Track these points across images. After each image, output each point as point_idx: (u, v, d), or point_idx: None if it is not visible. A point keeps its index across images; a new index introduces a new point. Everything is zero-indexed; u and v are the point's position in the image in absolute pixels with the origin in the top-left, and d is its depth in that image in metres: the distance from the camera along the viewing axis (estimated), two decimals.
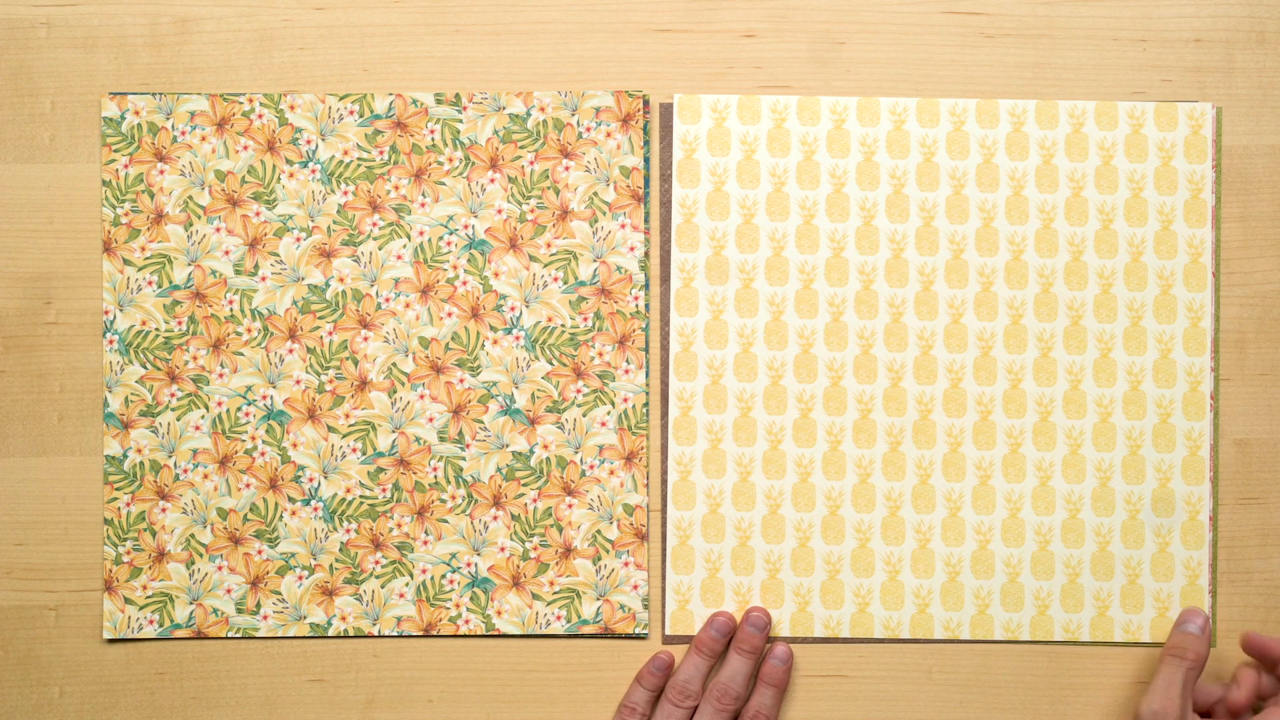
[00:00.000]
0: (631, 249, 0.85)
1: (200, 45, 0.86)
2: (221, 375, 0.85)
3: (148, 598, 0.85)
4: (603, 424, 0.85)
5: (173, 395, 0.85)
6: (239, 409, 0.85)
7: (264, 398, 0.85)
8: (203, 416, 0.85)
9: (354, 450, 0.85)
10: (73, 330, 0.85)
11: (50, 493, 0.85)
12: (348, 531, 0.85)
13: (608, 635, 0.85)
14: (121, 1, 0.86)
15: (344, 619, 0.85)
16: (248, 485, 0.85)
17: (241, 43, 0.86)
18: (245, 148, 0.85)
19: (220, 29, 0.86)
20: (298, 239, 0.85)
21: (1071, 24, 0.86)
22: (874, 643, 0.85)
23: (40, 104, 0.86)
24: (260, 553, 0.85)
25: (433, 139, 0.85)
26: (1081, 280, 0.85)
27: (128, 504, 0.85)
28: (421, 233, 0.85)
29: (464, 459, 0.85)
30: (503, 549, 0.85)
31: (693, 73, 0.86)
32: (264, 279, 0.85)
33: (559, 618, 0.85)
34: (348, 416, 0.85)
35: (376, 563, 0.85)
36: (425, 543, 0.85)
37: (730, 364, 0.85)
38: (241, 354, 0.85)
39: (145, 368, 0.85)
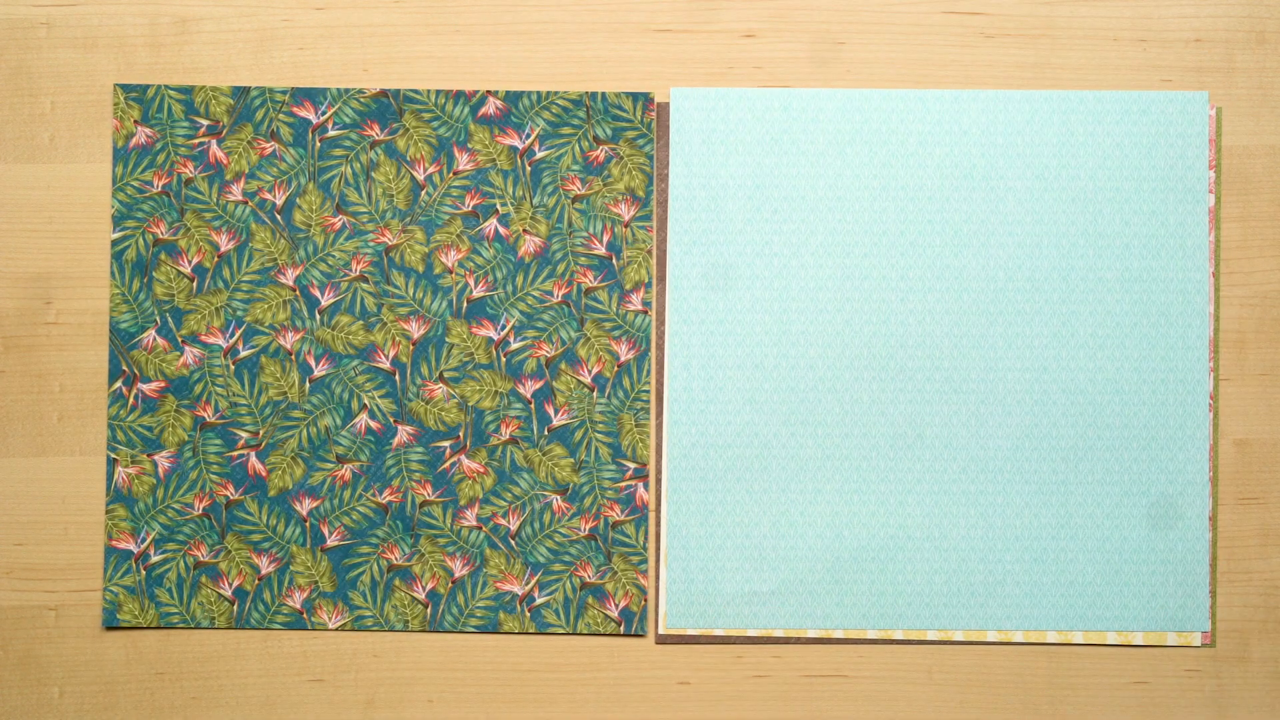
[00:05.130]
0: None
1: (200, 45, 0.86)
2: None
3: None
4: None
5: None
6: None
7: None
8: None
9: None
10: (73, 330, 0.85)
11: (50, 493, 0.85)
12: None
13: (608, 635, 0.85)
14: (121, 1, 0.86)
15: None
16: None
17: (241, 43, 0.86)
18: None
19: (220, 29, 0.86)
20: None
21: (1071, 24, 0.86)
22: (873, 643, 0.85)
23: (40, 104, 0.86)
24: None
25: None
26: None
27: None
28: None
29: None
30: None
31: (693, 73, 0.86)
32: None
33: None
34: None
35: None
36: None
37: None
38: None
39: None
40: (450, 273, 0.85)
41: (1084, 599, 0.84)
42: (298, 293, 0.85)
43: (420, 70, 0.86)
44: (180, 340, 0.85)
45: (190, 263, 0.85)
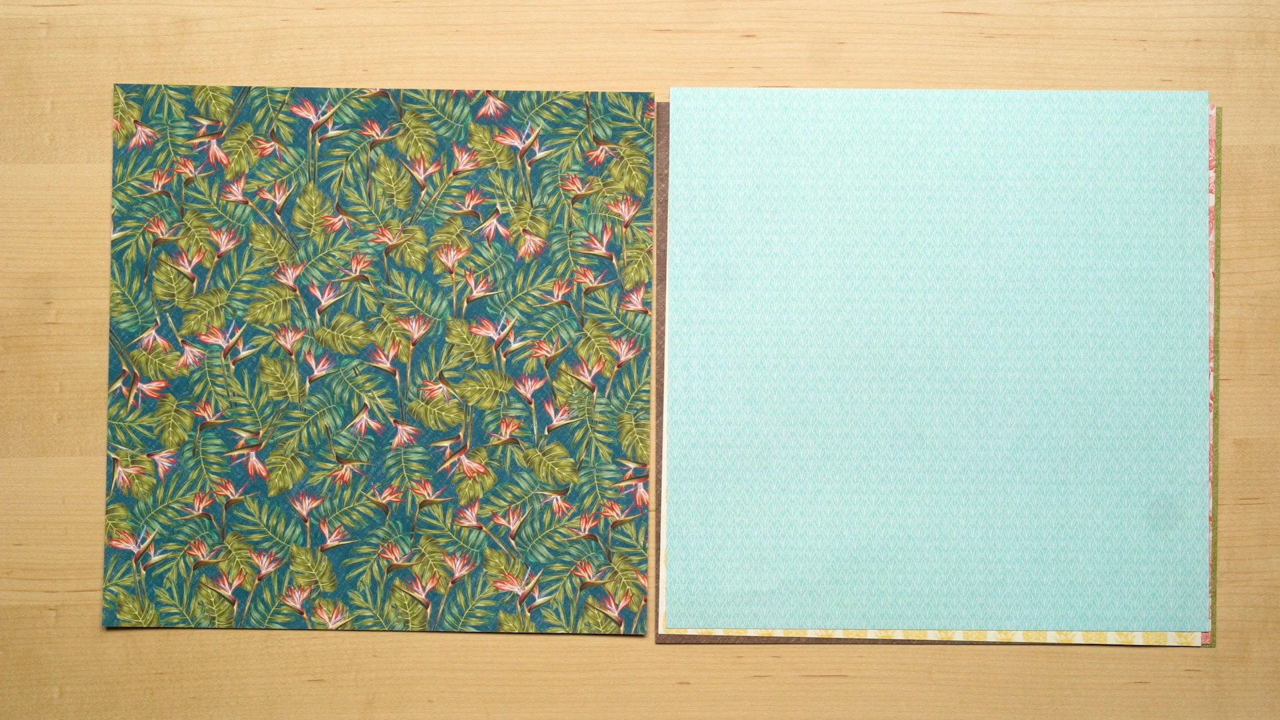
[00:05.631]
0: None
1: (200, 45, 0.86)
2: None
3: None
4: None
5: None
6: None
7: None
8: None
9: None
10: (73, 330, 0.85)
11: (50, 493, 0.85)
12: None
13: (608, 635, 0.85)
14: (121, 1, 0.86)
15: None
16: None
17: (241, 43, 0.86)
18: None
19: (220, 29, 0.86)
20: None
21: (1071, 24, 0.86)
22: (874, 643, 0.85)
23: (40, 104, 0.86)
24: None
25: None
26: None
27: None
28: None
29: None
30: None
31: (693, 73, 0.86)
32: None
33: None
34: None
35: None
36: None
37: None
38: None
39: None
40: (450, 273, 0.85)
41: (1084, 599, 0.84)
42: (298, 293, 0.85)
43: (420, 70, 0.86)
44: (180, 340, 0.85)
45: (190, 263, 0.85)
